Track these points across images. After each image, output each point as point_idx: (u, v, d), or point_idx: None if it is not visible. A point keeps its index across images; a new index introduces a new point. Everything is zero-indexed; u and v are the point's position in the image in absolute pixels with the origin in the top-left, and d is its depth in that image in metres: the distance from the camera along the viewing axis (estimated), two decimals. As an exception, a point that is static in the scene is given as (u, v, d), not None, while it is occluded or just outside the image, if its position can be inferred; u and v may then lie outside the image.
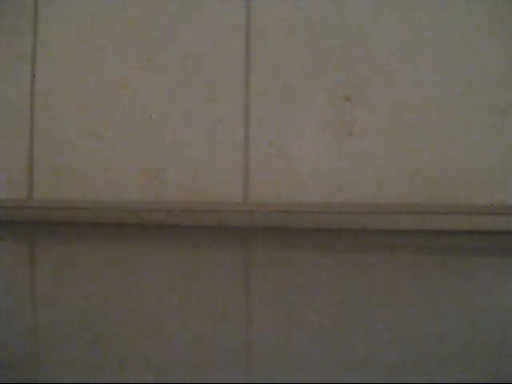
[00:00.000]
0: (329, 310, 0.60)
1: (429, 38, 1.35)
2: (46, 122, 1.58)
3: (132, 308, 0.61)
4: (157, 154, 1.50)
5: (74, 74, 1.57)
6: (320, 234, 1.31)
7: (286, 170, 1.42)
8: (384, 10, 1.37)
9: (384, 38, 1.37)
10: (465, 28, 1.33)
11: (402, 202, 1.35)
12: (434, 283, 0.76)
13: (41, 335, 0.50)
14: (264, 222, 1.41)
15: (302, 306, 0.62)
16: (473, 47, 1.33)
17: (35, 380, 0.39)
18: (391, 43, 1.37)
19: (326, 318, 0.56)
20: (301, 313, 0.58)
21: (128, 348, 0.46)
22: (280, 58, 1.43)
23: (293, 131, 1.42)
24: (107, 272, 0.85)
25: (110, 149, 1.53)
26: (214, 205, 1.45)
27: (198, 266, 0.90)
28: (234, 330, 0.52)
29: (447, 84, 1.34)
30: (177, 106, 1.50)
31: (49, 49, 1.58)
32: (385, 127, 1.37)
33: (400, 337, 0.50)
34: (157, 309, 0.60)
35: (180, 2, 1.50)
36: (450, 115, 1.34)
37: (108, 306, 0.62)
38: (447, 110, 1.34)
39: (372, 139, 1.38)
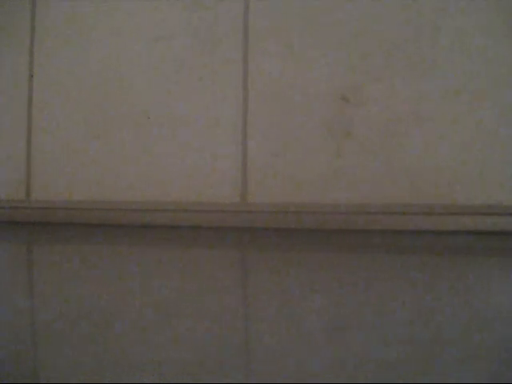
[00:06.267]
0: (329, 311, 0.60)
1: (427, 37, 1.35)
2: (44, 121, 1.58)
3: (131, 308, 0.61)
4: (155, 153, 1.50)
5: (74, 73, 1.56)
6: (319, 234, 1.31)
7: (285, 170, 1.42)
8: (383, 9, 1.37)
9: (382, 37, 1.37)
10: (463, 27, 1.34)
11: (400, 202, 1.35)
12: (433, 284, 0.76)
13: (40, 335, 0.50)
14: (262, 222, 1.41)
15: (302, 306, 0.62)
16: (471, 47, 1.33)
17: (35, 380, 0.39)
18: (389, 43, 1.37)
19: (326, 319, 0.56)
20: (300, 313, 0.58)
21: (128, 348, 0.46)
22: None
23: (291, 131, 1.42)
24: (106, 272, 0.85)
25: (108, 149, 1.53)
26: (212, 205, 1.45)
27: (197, 266, 0.90)
28: (233, 331, 0.52)
29: (445, 83, 1.34)
30: (175, 106, 1.50)
31: (47, 48, 1.58)
32: (383, 127, 1.37)
33: (400, 337, 0.50)
34: (155, 309, 0.60)
35: None
36: (449, 116, 1.34)
37: (107, 306, 0.61)
38: (446, 110, 1.34)
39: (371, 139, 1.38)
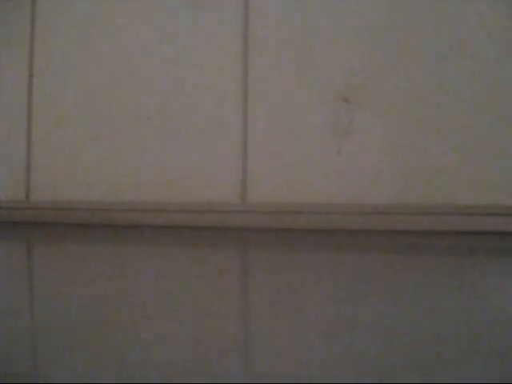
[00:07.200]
0: (327, 311, 0.60)
1: (427, 39, 1.35)
2: (44, 122, 1.58)
3: (131, 308, 0.61)
4: (155, 154, 1.50)
5: (74, 73, 1.56)
6: (318, 234, 1.31)
7: (284, 170, 1.42)
8: (382, 10, 1.37)
9: (381, 38, 1.37)
10: (465, 30, 1.34)
11: (400, 202, 1.35)
12: (433, 284, 0.76)
13: (40, 335, 0.50)
14: (262, 222, 1.41)
15: (300, 306, 0.62)
16: (473, 51, 1.33)
17: (35, 380, 0.39)
18: (389, 43, 1.37)
19: (325, 319, 0.56)
20: (299, 313, 0.58)
21: (127, 348, 0.46)
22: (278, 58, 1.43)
23: (291, 131, 1.42)
24: (104, 272, 0.84)
25: (107, 149, 1.53)
26: (212, 206, 1.45)
27: (196, 267, 0.90)
28: (232, 331, 0.52)
29: (446, 85, 1.34)
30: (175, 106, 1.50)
31: (47, 47, 1.58)
32: (383, 128, 1.37)
33: (400, 337, 0.50)
34: (155, 309, 0.60)
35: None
36: (449, 116, 1.34)
37: (106, 306, 0.61)
38: (446, 111, 1.34)
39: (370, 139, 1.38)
